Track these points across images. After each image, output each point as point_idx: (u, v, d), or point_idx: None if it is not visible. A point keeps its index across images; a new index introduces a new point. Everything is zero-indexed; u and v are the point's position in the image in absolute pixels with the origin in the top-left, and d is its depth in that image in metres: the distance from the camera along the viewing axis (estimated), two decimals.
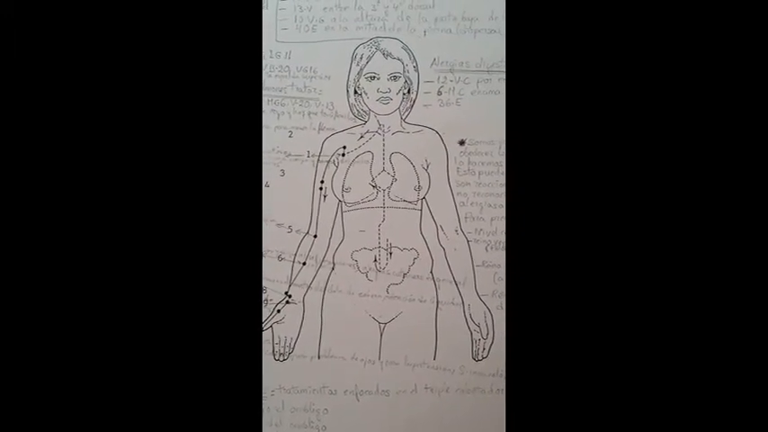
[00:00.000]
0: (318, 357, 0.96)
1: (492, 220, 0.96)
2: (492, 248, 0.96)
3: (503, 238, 0.95)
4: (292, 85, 0.97)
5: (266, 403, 0.96)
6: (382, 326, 0.96)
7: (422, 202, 0.97)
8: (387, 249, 0.96)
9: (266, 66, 0.97)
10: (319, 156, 0.97)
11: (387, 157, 0.97)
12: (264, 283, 0.96)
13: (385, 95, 0.97)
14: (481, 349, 0.96)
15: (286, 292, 0.96)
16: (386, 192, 0.97)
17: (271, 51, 0.97)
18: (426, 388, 0.96)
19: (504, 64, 0.95)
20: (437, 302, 0.96)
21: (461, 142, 0.97)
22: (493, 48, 0.96)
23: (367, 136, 0.97)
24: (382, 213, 0.97)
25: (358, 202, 0.97)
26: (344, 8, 0.97)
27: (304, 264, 0.96)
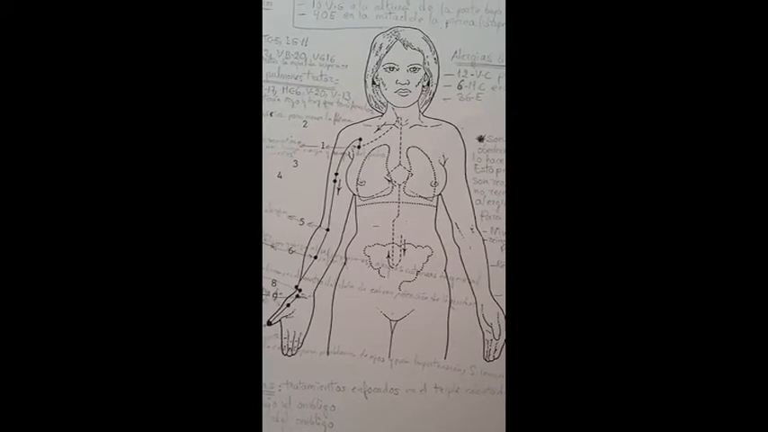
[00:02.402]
0: (327, 353, 0.94)
1: None
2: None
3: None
4: (308, 73, 0.94)
5: (273, 398, 0.94)
6: (393, 323, 0.95)
7: (437, 199, 0.95)
8: (400, 246, 0.94)
9: (282, 52, 0.94)
10: (334, 147, 0.94)
11: (403, 151, 0.94)
12: (275, 277, 0.93)
13: (404, 87, 0.94)
14: (493, 350, 0.94)
15: (296, 286, 0.94)
16: (401, 187, 0.94)
17: (287, 37, 0.94)
18: (436, 387, 0.94)
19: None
20: (450, 301, 0.94)
21: (480, 138, 0.94)
22: None
23: (384, 128, 0.95)
24: (397, 209, 0.94)
25: (372, 197, 0.94)
26: None
27: (315, 257, 0.94)
